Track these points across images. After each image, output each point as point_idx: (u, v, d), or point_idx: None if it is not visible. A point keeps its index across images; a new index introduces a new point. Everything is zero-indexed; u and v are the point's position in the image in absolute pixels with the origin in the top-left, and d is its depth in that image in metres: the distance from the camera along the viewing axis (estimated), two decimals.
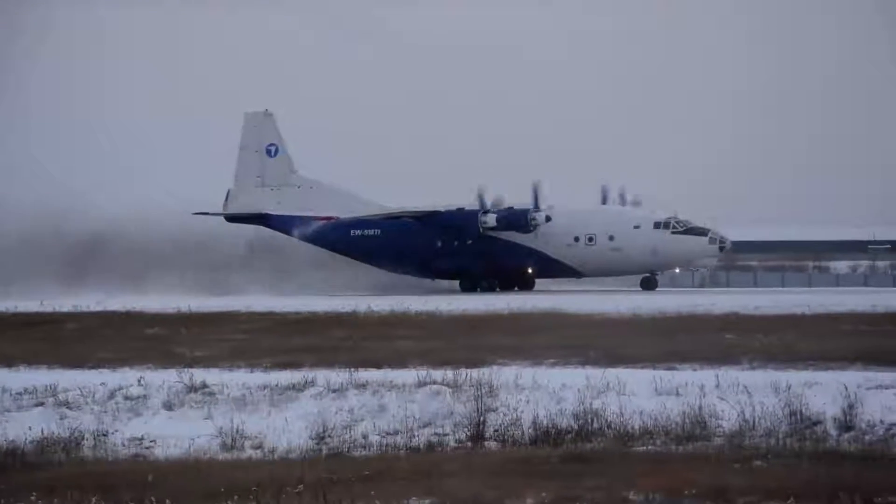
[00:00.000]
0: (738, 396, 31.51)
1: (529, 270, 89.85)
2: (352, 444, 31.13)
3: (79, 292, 77.48)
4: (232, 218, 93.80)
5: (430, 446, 30.84)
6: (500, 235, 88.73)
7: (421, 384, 33.91)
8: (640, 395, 32.41)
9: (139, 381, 35.27)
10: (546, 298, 68.35)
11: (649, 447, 29.00)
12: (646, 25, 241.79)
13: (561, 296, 74.52)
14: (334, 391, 33.99)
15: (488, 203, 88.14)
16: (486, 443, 30.82)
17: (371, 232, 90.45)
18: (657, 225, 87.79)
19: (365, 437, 31.55)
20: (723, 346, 40.43)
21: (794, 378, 33.04)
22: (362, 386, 34.19)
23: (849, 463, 25.64)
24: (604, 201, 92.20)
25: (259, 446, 31.25)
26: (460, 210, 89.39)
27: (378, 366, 37.53)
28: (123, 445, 31.58)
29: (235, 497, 23.86)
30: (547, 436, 30.63)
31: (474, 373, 34.18)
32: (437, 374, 34.76)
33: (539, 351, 40.12)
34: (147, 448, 31.47)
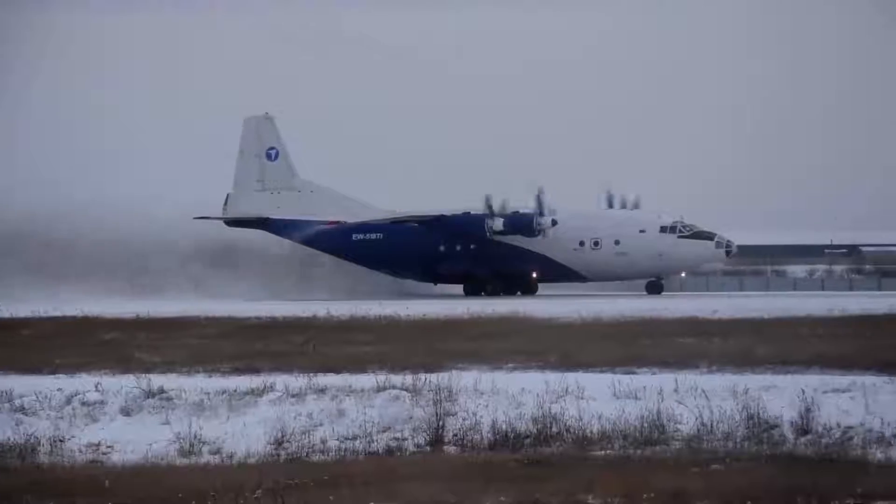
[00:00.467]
0: (697, 400, 31.61)
1: (534, 275, 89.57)
2: (310, 449, 31.04)
3: (60, 296, 77.26)
4: (232, 222, 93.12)
5: (389, 451, 30.80)
6: (505, 240, 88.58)
7: (380, 389, 33.86)
8: (599, 399, 32.47)
9: (96, 386, 35.03)
10: (519, 302, 68.31)
11: (608, 451, 29.04)
12: (648, 26, 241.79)
13: (551, 300, 74.16)
14: (293, 396, 33.88)
15: (496, 207, 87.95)
16: (445, 447, 30.80)
17: (373, 236, 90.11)
18: (663, 229, 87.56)
19: (324, 441, 31.47)
20: (681, 350, 40.53)
21: (751, 382, 33.19)
22: (321, 391, 34.11)
23: (805, 466, 25.75)
24: (609, 205, 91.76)
25: (217, 452, 31.12)
26: (466, 214, 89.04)
27: (337, 371, 37.45)
28: (80, 451, 31.37)
29: (193, 502, 23.75)
30: (506, 440, 30.64)
31: (433, 377, 34.15)
32: (397, 378, 34.72)
33: (498, 355, 40.13)
34: (104, 454, 31.27)
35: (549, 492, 23.75)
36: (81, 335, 50.79)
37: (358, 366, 38.32)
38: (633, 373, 35.87)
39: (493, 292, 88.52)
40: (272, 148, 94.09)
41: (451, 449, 30.69)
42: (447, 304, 66.46)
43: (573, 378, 34.05)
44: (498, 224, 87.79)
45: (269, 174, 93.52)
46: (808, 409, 30.44)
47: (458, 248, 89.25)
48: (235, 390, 34.42)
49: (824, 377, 34.02)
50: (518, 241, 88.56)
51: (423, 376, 34.44)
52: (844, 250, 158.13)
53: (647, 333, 46.90)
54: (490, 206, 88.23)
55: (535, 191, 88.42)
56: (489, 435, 30.89)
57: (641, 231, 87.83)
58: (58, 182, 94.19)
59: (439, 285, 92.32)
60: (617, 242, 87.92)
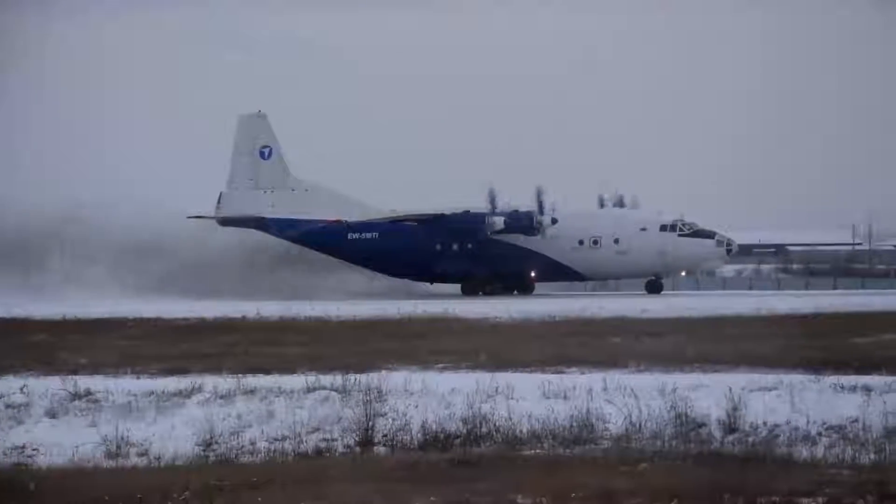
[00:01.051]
0: (625, 399, 31.75)
1: (533, 274, 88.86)
2: (239, 451, 30.88)
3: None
4: (225, 221, 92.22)
5: (319, 452, 30.70)
6: (504, 238, 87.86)
7: (310, 390, 33.74)
8: (528, 399, 32.54)
9: (21, 388, 34.66)
10: (448, 304, 68.30)
11: (537, 451, 29.10)
12: (647, 27, 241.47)
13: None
14: (222, 397, 33.69)
15: (497, 205, 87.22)
16: (374, 448, 30.75)
17: (369, 235, 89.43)
18: (664, 227, 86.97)
19: (253, 443, 31.33)
20: (609, 350, 40.72)
21: (680, 380, 33.39)
22: (250, 392, 33.94)
23: (733, 464, 25.93)
24: (601, 205, 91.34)
25: (144, 453, 30.89)
26: (466, 213, 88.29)
27: (267, 371, 37.28)
28: (5, 454, 31.02)
29: None
30: (436, 440, 30.63)
31: (363, 378, 34.09)
32: (326, 379, 34.61)
33: (429, 356, 40.12)
34: (29, 456, 30.94)
35: (479, 492, 23.76)
36: (8, 337, 50.24)
37: (287, 367, 38.17)
38: (563, 372, 35.98)
39: (492, 292, 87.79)
40: (266, 146, 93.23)
41: (380, 449, 30.64)
42: (380, 305, 66.38)
43: (503, 378, 34.10)
44: (498, 222, 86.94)
45: (262, 173, 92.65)
46: (734, 408, 30.68)
47: (456, 247, 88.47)
48: (163, 391, 34.19)
49: (751, 376, 34.27)
50: (516, 240, 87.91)
51: (352, 377, 34.37)
52: (772, 250, 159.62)
53: (576, 333, 47.09)
54: (493, 202, 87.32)
55: (534, 190, 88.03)
56: (419, 435, 30.88)
57: (642, 230, 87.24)
58: (49, 183, 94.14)
59: (436, 285, 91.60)
60: (617, 241, 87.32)
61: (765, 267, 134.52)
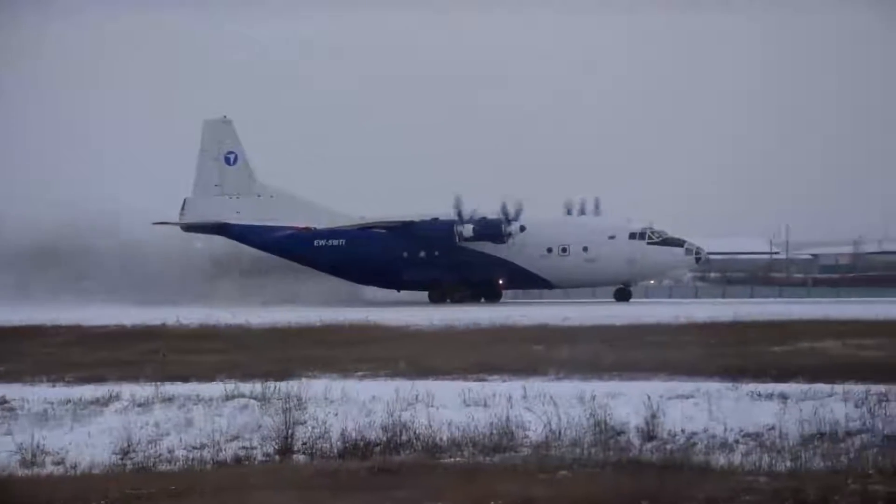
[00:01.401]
0: (545, 407, 31.86)
1: (500, 282, 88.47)
2: (157, 459, 30.64)
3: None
4: (189, 227, 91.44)
5: (238, 460, 30.53)
6: (472, 246, 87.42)
7: (228, 397, 33.55)
8: (448, 407, 32.55)
9: None
10: (371, 311, 68.17)
11: (457, 458, 29.12)
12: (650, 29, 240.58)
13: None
14: (139, 405, 33.42)
15: (464, 213, 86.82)
16: (294, 456, 30.61)
17: (335, 242, 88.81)
18: (632, 235, 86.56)
19: (171, 451, 31.08)
20: (530, 358, 40.86)
21: (599, 388, 33.56)
22: (168, 400, 33.68)
23: (651, 472, 26.08)
24: (568, 212, 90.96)
25: (61, 462, 30.55)
26: (435, 220, 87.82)
27: (185, 379, 37.02)
28: None
29: None
30: (356, 448, 30.56)
31: (283, 385, 33.94)
32: (246, 387, 34.43)
33: (349, 363, 40.03)
34: None
35: (399, 500, 23.74)
36: None
37: (206, 374, 37.93)
38: (484, 380, 36.04)
39: (461, 300, 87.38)
40: (231, 152, 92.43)
41: (300, 457, 30.52)
42: (301, 313, 66.08)
43: (423, 386, 34.10)
44: (468, 230, 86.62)
45: (227, 178, 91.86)
46: (653, 416, 30.90)
47: (423, 254, 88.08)
48: (80, 399, 33.84)
49: (670, 384, 34.51)
50: (484, 247, 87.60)
51: (272, 384, 34.21)
52: None
53: (497, 341, 47.20)
54: (459, 212, 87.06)
55: (502, 198, 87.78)
56: (339, 443, 30.79)
57: (610, 237, 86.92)
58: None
59: (403, 293, 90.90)
60: (585, 249, 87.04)
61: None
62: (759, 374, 35.54)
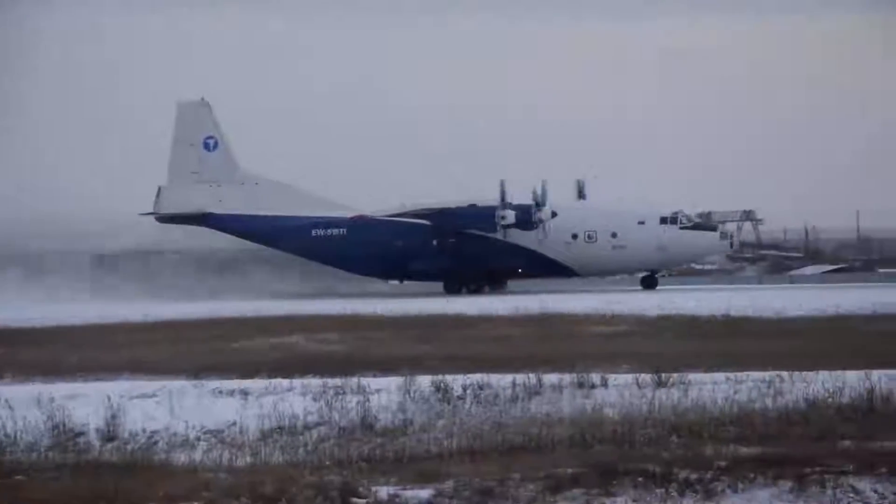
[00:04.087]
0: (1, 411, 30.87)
1: (520, 270, 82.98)
2: None
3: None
4: (165, 218, 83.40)
5: None
6: (486, 234, 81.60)
7: None
8: None
9: None
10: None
11: None
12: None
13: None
14: None
15: (488, 198, 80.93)
16: None
17: (336, 232, 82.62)
18: (664, 220, 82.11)
19: None
20: None
21: (58, 390, 32.84)
22: None
23: (111, 473, 25.75)
24: (580, 192, 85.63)
25: None
26: (473, 206, 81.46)
27: None
28: None
29: None
30: None
31: None
32: None
33: None
34: None
35: None
36: None
37: None
38: None
39: (476, 290, 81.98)
40: (210, 137, 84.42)
41: None
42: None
43: None
44: (510, 216, 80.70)
45: (206, 165, 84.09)
46: (114, 416, 30.58)
47: (435, 243, 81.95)
48: None
49: (133, 383, 34.26)
50: (504, 234, 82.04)
51: None
52: None
53: None
54: (503, 196, 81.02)
55: (539, 183, 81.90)
56: None
57: (640, 223, 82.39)
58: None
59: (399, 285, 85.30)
60: (614, 235, 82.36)
61: None
62: (225, 372, 35.92)
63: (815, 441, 26.57)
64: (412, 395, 31.95)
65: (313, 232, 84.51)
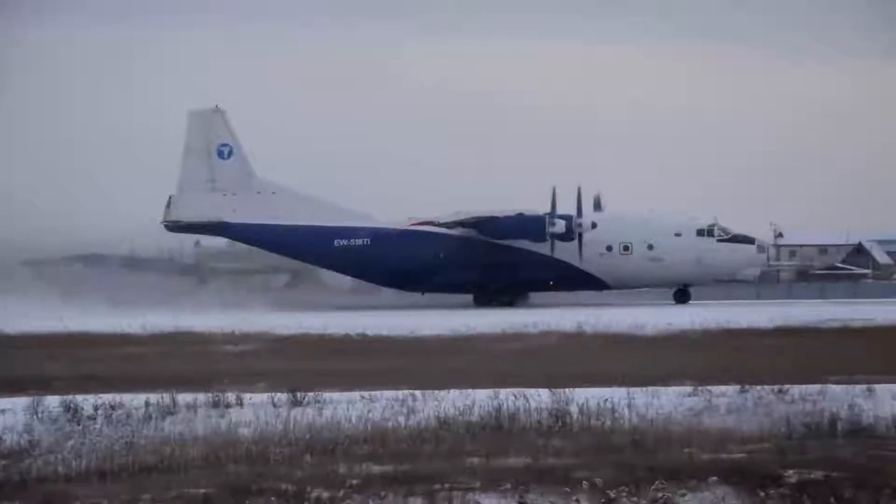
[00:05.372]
0: None
1: (551, 283, 79.17)
2: None
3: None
4: (176, 226, 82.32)
5: None
6: (516, 244, 78.43)
7: None
8: None
9: None
10: None
11: None
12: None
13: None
14: None
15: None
16: None
17: (359, 242, 80.00)
18: (700, 232, 79.76)
19: None
20: None
21: None
22: None
23: None
24: (597, 205, 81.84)
25: None
26: (521, 215, 77.75)
27: None
28: None
29: None
30: None
31: None
32: None
33: None
34: None
35: None
36: None
37: None
38: None
39: (507, 303, 79.00)
40: (224, 144, 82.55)
41: None
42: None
43: None
44: (560, 226, 77.50)
45: (221, 174, 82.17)
46: None
47: (464, 254, 79.38)
48: None
49: None
50: (535, 245, 78.51)
51: None
52: None
53: None
54: (553, 206, 77.84)
55: (577, 191, 79.14)
56: None
57: (677, 234, 79.74)
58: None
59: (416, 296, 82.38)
60: (651, 247, 79.49)
61: None
62: None
63: (444, 458, 27.15)
64: (40, 415, 31.18)
65: (336, 242, 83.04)
